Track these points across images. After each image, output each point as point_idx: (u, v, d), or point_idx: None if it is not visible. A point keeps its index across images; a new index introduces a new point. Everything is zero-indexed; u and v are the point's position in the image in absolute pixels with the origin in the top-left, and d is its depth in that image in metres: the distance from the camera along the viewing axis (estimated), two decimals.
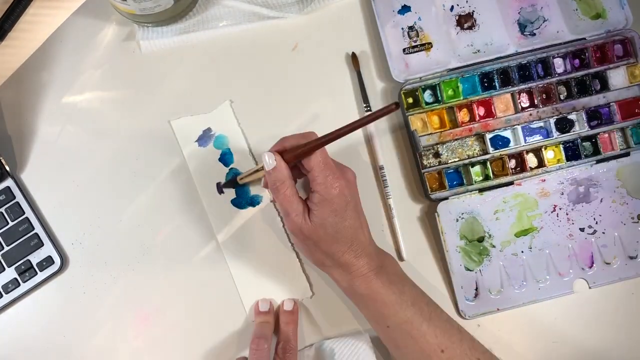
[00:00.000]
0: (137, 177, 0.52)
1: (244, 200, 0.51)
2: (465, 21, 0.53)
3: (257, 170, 0.47)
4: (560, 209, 0.51)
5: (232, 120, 0.52)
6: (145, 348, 0.50)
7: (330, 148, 0.42)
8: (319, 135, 0.41)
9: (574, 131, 0.51)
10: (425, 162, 0.51)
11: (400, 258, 0.51)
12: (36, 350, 0.50)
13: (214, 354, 0.50)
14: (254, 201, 0.51)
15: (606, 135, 0.52)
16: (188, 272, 0.51)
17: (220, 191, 0.51)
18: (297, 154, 0.41)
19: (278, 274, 0.50)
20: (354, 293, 0.44)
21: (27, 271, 0.50)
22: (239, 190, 0.51)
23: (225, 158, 0.52)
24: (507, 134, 0.52)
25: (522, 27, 0.52)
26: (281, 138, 0.43)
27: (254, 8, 0.53)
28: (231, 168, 0.52)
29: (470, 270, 0.50)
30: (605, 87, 0.52)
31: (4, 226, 0.50)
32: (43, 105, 0.53)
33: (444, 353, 0.42)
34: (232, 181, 0.51)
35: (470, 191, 0.51)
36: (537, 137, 0.52)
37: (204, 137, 0.52)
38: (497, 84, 0.51)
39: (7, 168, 0.51)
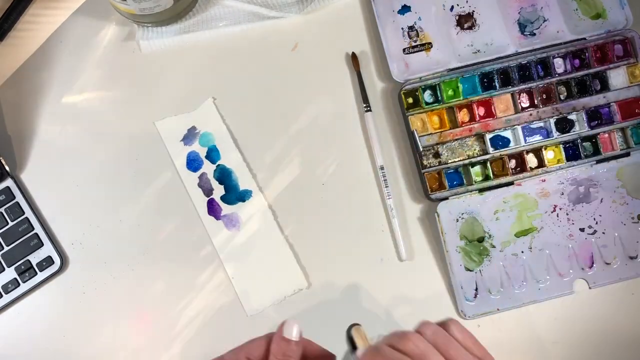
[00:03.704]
0: (137, 177, 0.52)
1: (233, 195, 0.51)
2: (465, 21, 0.53)
3: None
4: (560, 209, 0.51)
5: (216, 118, 0.52)
6: (145, 348, 0.50)
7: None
8: None
9: (574, 131, 0.51)
10: (425, 162, 0.51)
11: (400, 258, 0.51)
12: (36, 350, 0.50)
13: (213, 353, 0.50)
14: (243, 196, 0.51)
15: (606, 135, 0.52)
16: (188, 271, 0.51)
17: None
18: None
19: (274, 268, 0.50)
20: None
21: (27, 271, 0.50)
22: (227, 186, 0.51)
23: (212, 155, 0.52)
24: (507, 134, 0.52)
25: (522, 27, 0.52)
26: None
27: (254, 8, 0.53)
28: (218, 165, 0.52)
29: (470, 271, 0.50)
30: (605, 87, 0.52)
31: (4, 226, 0.50)
32: (43, 105, 0.53)
33: None
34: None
35: (470, 191, 0.51)
36: (537, 137, 0.52)
37: (189, 136, 0.52)
38: (497, 84, 0.51)
39: (7, 168, 0.51)
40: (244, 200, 0.51)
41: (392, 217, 0.51)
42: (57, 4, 0.54)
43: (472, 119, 0.51)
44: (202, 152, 0.52)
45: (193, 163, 0.52)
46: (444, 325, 0.34)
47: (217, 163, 0.52)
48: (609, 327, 0.50)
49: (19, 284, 0.50)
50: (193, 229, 0.51)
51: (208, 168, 0.52)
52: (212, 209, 0.51)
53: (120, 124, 0.53)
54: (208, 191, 0.51)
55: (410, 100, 0.52)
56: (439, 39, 0.52)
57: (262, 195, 0.51)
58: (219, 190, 0.51)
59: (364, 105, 0.52)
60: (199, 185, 0.51)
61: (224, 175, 0.52)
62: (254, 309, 0.50)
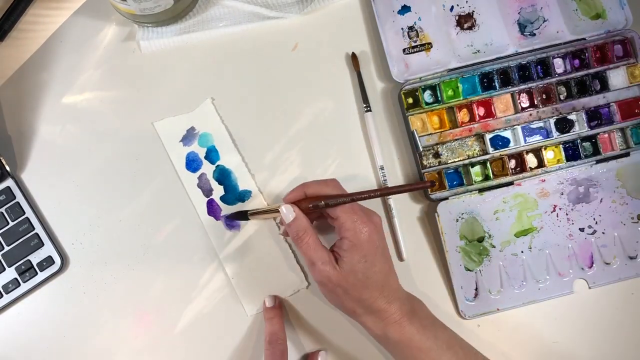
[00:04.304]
0: (137, 177, 0.52)
1: (233, 196, 0.51)
2: (465, 21, 0.53)
3: (271, 211, 0.45)
4: (560, 209, 0.51)
5: (215, 118, 0.52)
6: (145, 348, 0.50)
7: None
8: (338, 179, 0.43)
9: (573, 131, 0.51)
10: (425, 162, 0.51)
11: (400, 258, 0.51)
12: (36, 350, 0.50)
13: (213, 353, 0.50)
14: (242, 197, 0.51)
15: (606, 135, 0.52)
16: (188, 271, 0.51)
17: (229, 223, 0.51)
18: (320, 206, 0.42)
19: (273, 267, 0.51)
20: (387, 340, 0.43)
21: (27, 271, 0.50)
22: (227, 186, 0.51)
23: (211, 155, 0.52)
24: (507, 134, 0.52)
25: (522, 27, 0.52)
26: (301, 184, 0.44)
27: (254, 8, 0.53)
28: (217, 165, 0.52)
29: (470, 271, 0.50)
30: (605, 87, 0.52)
31: (4, 226, 0.50)
32: (43, 105, 0.53)
33: None
34: (241, 213, 0.48)
35: (470, 191, 0.51)
36: (537, 137, 0.52)
37: (188, 137, 0.52)
38: (497, 84, 0.51)
39: (7, 168, 0.51)
40: (243, 201, 0.51)
41: (392, 217, 0.51)
42: (58, 4, 0.54)
43: (472, 119, 0.51)
44: (201, 152, 0.52)
45: (192, 164, 0.52)
46: None
47: (217, 163, 0.52)
48: (608, 327, 0.50)
49: (19, 284, 0.50)
50: (193, 230, 0.51)
51: (207, 168, 0.52)
52: (212, 209, 0.51)
53: (120, 124, 0.53)
54: (207, 192, 0.51)
55: (410, 100, 0.52)
56: (439, 39, 0.52)
57: (261, 196, 0.51)
58: (218, 191, 0.51)
59: (364, 105, 0.52)
60: (199, 185, 0.52)
61: (223, 176, 0.52)
62: (254, 308, 0.50)
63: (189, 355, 0.50)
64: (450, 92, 0.52)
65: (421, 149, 0.51)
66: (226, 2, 0.53)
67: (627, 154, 0.51)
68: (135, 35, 0.53)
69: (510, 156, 0.51)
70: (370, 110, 0.52)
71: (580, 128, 0.51)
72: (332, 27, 0.54)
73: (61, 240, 0.51)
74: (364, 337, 0.50)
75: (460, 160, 0.51)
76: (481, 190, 0.51)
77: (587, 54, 0.52)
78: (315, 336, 0.50)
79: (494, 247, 0.50)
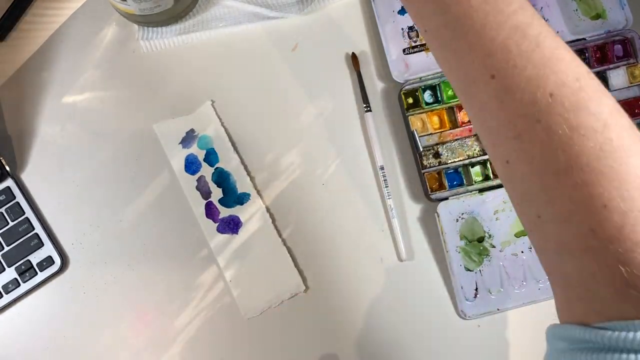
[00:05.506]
0: (137, 177, 0.52)
1: (231, 198, 0.51)
2: None
3: None
4: None
5: (214, 120, 0.52)
6: (145, 348, 0.50)
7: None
8: None
9: None
10: (425, 163, 0.51)
11: (400, 258, 0.51)
12: (36, 351, 0.50)
13: (212, 355, 0.50)
14: (241, 199, 0.51)
15: None
16: (187, 273, 0.51)
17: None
18: None
19: (271, 271, 0.50)
20: None
21: (27, 271, 0.50)
22: (225, 188, 0.51)
23: (210, 158, 0.52)
24: None
25: None
26: None
27: (254, 8, 0.53)
28: (216, 167, 0.52)
29: (470, 271, 0.50)
30: (605, 87, 0.52)
31: (4, 226, 0.50)
32: (43, 105, 0.53)
33: (494, 79, 0.24)
34: None
35: (470, 191, 0.51)
36: None
37: (188, 139, 0.52)
38: None
39: (7, 168, 0.51)
40: (242, 203, 0.51)
41: (392, 217, 0.51)
42: (58, 4, 0.54)
43: None
44: (201, 154, 0.52)
45: (191, 166, 0.52)
46: None
47: (215, 166, 0.52)
48: None
49: (19, 284, 0.50)
50: (191, 232, 0.51)
51: (206, 171, 0.52)
52: (210, 211, 0.51)
53: (120, 124, 0.53)
54: (206, 194, 0.51)
55: (410, 100, 0.52)
56: None
57: (260, 198, 0.51)
58: (217, 193, 0.51)
59: (364, 105, 0.52)
60: (197, 188, 0.51)
61: (222, 178, 0.51)
62: (251, 312, 0.50)
63: (187, 356, 0.50)
64: (450, 92, 0.52)
65: (421, 149, 0.51)
66: (226, 2, 0.53)
67: None
68: (135, 35, 0.53)
69: None
70: (370, 110, 0.52)
71: None
72: (332, 27, 0.54)
73: (61, 241, 0.51)
74: (363, 341, 0.50)
75: (461, 160, 0.51)
76: (481, 191, 0.51)
77: (587, 54, 0.52)
78: (312, 341, 0.50)
79: (494, 247, 0.50)
